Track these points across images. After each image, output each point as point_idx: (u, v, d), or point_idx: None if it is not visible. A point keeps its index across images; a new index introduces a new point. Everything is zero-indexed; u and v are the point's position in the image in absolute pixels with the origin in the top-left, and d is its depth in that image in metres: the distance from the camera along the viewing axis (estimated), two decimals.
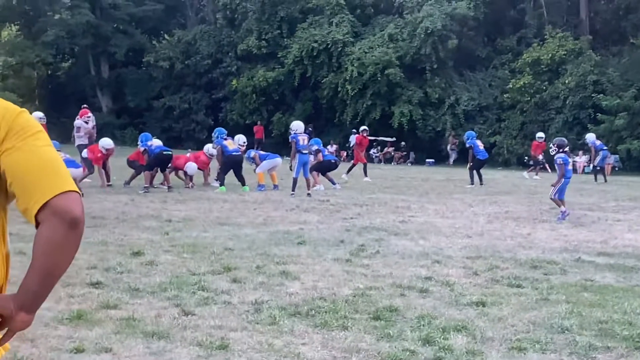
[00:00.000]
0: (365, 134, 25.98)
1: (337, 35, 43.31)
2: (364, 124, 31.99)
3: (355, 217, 14.24)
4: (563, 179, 14.54)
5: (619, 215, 15.78)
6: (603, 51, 40.87)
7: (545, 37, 40.18)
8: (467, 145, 24.09)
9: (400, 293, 7.48)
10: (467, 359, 5.41)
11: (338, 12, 44.91)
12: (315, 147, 20.46)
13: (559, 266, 9.25)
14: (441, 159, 41.58)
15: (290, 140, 19.19)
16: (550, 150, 15.84)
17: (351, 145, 34.95)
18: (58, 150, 12.84)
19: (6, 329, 2.11)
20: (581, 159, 35.17)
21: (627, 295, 7.63)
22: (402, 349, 5.54)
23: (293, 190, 18.34)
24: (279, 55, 45.86)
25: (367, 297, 7.22)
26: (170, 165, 19.48)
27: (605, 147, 28.40)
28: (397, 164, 41.51)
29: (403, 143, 42.50)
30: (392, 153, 42.64)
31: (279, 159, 20.78)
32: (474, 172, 23.49)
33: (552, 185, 14.88)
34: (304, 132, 20.23)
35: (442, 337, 5.85)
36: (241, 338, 5.72)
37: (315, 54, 43.55)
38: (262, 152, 21.94)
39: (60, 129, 42.35)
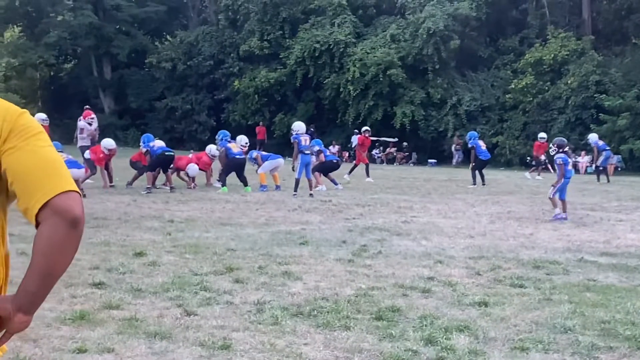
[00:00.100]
0: (367, 135, 25.99)
1: (339, 36, 43.32)
2: (366, 125, 31.96)
3: (358, 217, 14.24)
4: (563, 179, 14.53)
5: (621, 215, 15.76)
6: (605, 51, 40.84)
7: (548, 37, 40.17)
8: (470, 146, 24.09)
9: (402, 293, 7.47)
10: (470, 359, 5.41)
11: (340, 13, 44.93)
12: (316, 148, 20.46)
13: (562, 266, 9.24)
14: (443, 159, 41.55)
15: (292, 141, 19.20)
16: (550, 150, 15.84)
17: (353, 145, 35.01)
18: (60, 152, 12.77)
19: (4, 330, 2.11)
20: (584, 159, 35.14)
21: (629, 295, 7.62)
22: (405, 349, 5.54)
23: (295, 190, 18.34)
24: (281, 56, 45.87)
25: (370, 297, 7.21)
26: (172, 165, 19.50)
27: (608, 148, 28.36)
28: (400, 164, 41.50)
29: (405, 143, 42.49)
30: (395, 153, 42.62)
31: (280, 160, 20.79)
32: (476, 172, 23.49)
33: (552, 185, 14.87)
34: (306, 133, 20.25)
35: (445, 337, 5.84)
36: (243, 338, 5.72)
37: (317, 54, 43.57)
38: (264, 153, 21.95)
39: (62, 130, 42.46)
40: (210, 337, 5.67)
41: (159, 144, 19.83)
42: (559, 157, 14.74)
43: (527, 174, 29.59)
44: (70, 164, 15.10)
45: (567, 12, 44.01)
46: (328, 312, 6.53)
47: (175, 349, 5.44)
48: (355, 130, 36.96)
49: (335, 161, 22.40)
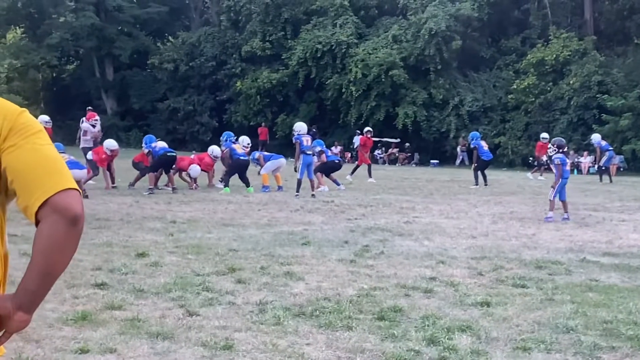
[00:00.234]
0: (369, 135, 25.99)
1: (341, 37, 43.33)
2: (368, 125, 32.00)
3: (360, 217, 14.24)
4: (561, 179, 14.52)
5: (624, 215, 15.75)
6: (607, 51, 40.79)
7: (550, 37, 40.13)
8: (472, 146, 24.09)
9: (404, 293, 7.47)
10: (472, 359, 5.41)
11: (342, 14, 44.93)
12: (318, 149, 20.47)
13: (564, 266, 9.23)
14: (445, 160, 41.54)
15: (294, 142, 19.21)
16: (549, 150, 15.82)
17: (355, 146, 35.00)
18: (62, 153, 12.79)
19: (4, 330, 2.10)
20: (586, 160, 35.13)
21: (632, 295, 7.61)
22: (407, 349, 5.54)
23: (297, 191, 18.35)
24: (283, 57, 45.88)
25: (372, 298, 7.21)
26: (174, 166, 19.51)
27: (610, 148, 28.34)
28: (402, 165, 41.50)
29: (407, 144, 42.48)
30: (397, 154, 42.61)
31: (283, 160, 20.80)
32: (479, 172, 23.50)
33: (552, 187, 14.86)
34: (308, 134, 20.26)
35: (447, 337, 5.84)
36: (245, 338, 5.72)
37: (319, 55, 43.58)
38: (266, 153, 21.97)
39: (65, 131, 42.52)
40: (212, 338, 5.68)
41: (161, 145, 19.84)
42: (557, 158, 14.73)
43: (529, 174, 29.57)
44: (72, 165, 15.11)
45: (569, 13, 43.96)
46: (330, 313, 6.53)
47: (177, 349, 5.44)
48: (357, 131, 36.95)
49: (337, 161, 22.42)
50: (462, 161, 39.40)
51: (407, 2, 43.66)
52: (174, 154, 19.48)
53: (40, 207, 2.00)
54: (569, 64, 38.59)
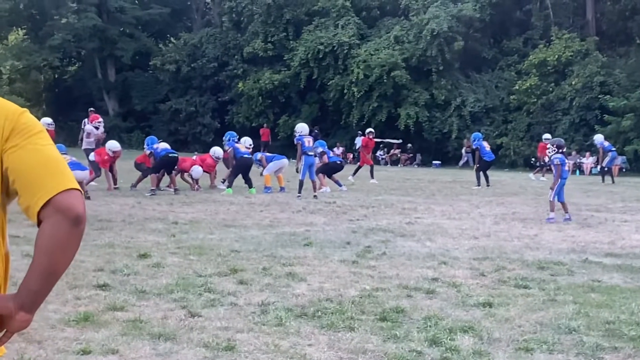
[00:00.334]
0: (371, 136, 25.99)
1: (343, 38, 43.32)
2: (370, 126, 32.00)
3: (362, 218, 14.24)
4: (559, 180, 14.51)
5: (626, 216, 15.74)
6: (609, 52, 40.78)
7: (552, 38, 40.11)
8: (474, 147, 24.08)
9: (406, 294, 7.47)
10: None
11: (344, 15, 44.92)
12: (319, 149, 20.47)
13: (566, 267, 9.23)
14: (447, 160, 41.52)
15: (295, 143, 19.21)
16: (548, 150, 15.82)
17: (357, 147, 35.00)
18: (64, 154, 12.79)
19: (5, 330, 2.11)
20: (588, 160, 35.11)
21: (634, 296, 7.61)
22: (409, 350, 5.54)
23: (299, 192, 18.36)
24: (284, 58, 45.89)
25: (374, 298, 7.21)
26: (176, 167, 19.51)
27: (613, 148, 28.33)
28: (404, 165, 41.48)
29: (409, 145, 42.46)
30: (399, 155, 42.60)
31: (285, 160, 20.80)
32: (481, 173, 23.50)
33: (551, 188, 14.84)
34: (310, 135, 20.25)
35: (449, 337, 5.84)
36: (247, 339, 5.72)
37: (321, 56, 43.57)
38: (268, 154, 21.96)
39: (67, 133, 42.59)
40: (214, 339, 5.68)
41: (163, 146, 19.84)
42: (556, 158, 14.72)
43: (531, 175, 29.56)
44: (74, 166, 15.11)
45: (571, 13, 43.93)
46: (332, 313, 6.53)
47: (179, 350, 5.44)
48: (359, 132, 36.96)
49: (338, 162, 22.42)
50: (467, 162, 39.36)
51: (409, 2, 43.64)
52: (176, 155, 19.47)
53: (42, 207, 2.01)
54: (571, 64, 38.57)
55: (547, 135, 30.05)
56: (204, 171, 20.13)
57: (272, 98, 46.60)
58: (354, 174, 25.16)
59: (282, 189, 19.84)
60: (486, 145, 24.25)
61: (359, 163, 26.86)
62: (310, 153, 18.69)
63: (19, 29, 58.34)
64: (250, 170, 19.89)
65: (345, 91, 42.90)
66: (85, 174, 16.81)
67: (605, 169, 27.87)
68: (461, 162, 40.08)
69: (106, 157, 19.22)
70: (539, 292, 7.69)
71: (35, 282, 2.04)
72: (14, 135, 2.07)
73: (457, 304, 7.10)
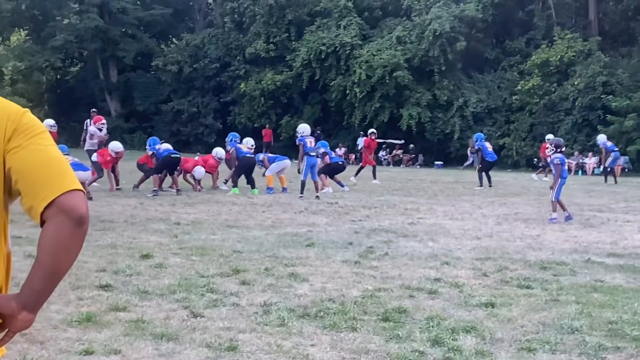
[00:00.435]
0: (373, 137, 25.97)
1: (345, 38, 43.34)
2: (372, 127, 31.99)
3: (364, 219, 14.24)
4: (560, 179, 14.49)
5: (628, 216, 15.72)
6: (612, 52, 40.76)
7: (554, 38, 40.10)
8: (476, 147, 24.08)
9: (409, 294, 7.47)
10: None
11: (346, 15, 44.94)
12: (322, 150, 20.48)
13: (569, 267, 9.22)
14: (450, 161, 41.51)
15: (297, 143, 19.22)
16: (547, 150, 15.79)
17: (359, 147, 34.99)
18: (66, 154, 12.83)
19: (6, 330, 2.12)
20: (591, 161, 35.08)
21: (637, 296, 7.60)
22: (411, 350, 5.53)
23: (301, 192, 18.36)
24: (287, 59, 45.93)
25: (376, 299, 7.20)
26: (178, 168, 19.52)
27: (616, 149, 28.30)
28: (406, 166, 41.49)
29: (412, 145, 42.45)
30: (401, 155, 42.60)
31: (287, 161, 20.81)
32: (483, 174, 23.49)
33: (551, 188, 14.82)
34: (312, 135, 20.25)
35: (451, 338, 5.84)
36: (250, 339, 5.72)
37: (323, 57, 43.60)
38: (270, 155, 21.96)
39: (69, 133, 42.62)
40: (216, 339, 5.68)
41: (165, 147, 19.85)
42: (556, 157, 14.70)
43: (534, 175, 29.55)
44: (76, 167, 15.12)
45: (573, 13, 43.92)
46: (335, 314, 6.52)
47: (181, 350, 5.44)
48: (361, 133, 36.96)
49: (340, 163, 22.44)
50: (472, 163, 39.28)
51: (411, 3, 43.67)
52: (178, 156, 19.48)
53: (46, 208, 2.01)
54: (574, 64, 38.56)
55: (549, 136, 29.92)
56: (206, 172, 20.14)
57: (274, 99, 46.63)
58: (356, 174, 25.16)
59: (284, 189, 19.85)
60: (488, 146, 24.25)
61: (361, 164, 26.86)
62: (312, 154, 18.69)
63: (21, 29, 58.42)
64: (253, 170, 19.92)
65: (347, 92, 42.93)
66: (87, 175, 16.83)
67: (608, 169, 27.86)
68: (466, 163, 39.98)
69: (109, 158, 19.24)
70: (541, 292, 7.68)
71: (38, 282, 2.05)
72: (17, 135, 2.08)
73: (460, 304, 7.09)
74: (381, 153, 41.84)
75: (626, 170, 34.05)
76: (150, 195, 17.91)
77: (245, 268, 8.59)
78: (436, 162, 41.05)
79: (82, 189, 2.09)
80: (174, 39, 55.80)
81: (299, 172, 19.37)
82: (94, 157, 19.65)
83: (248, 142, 20.95)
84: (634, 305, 7.11)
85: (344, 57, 43.35)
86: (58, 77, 59.82)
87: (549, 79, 39.03)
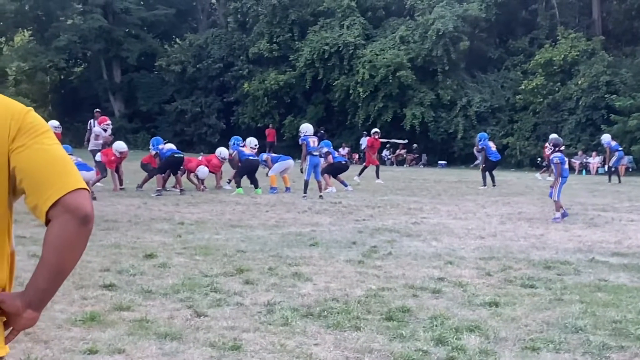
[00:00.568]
0: (376, 136, 25.97)
1: (349, 38, 43.34)
2: (375, 127, 31.99)
3: (368, 218, 14.24)
4: (561, 178, 14.47)
5: (632, 215, 15.70)
6: (616, 52, 40.71)
7: (558, 38, 40.07)
8: (480, 147, 24.07)
9: (412, 294, 7.47)
10: (480, 359, 5.39)
11: (349, 15, 44.93)
12: (325, 150, 20.48)
13: (573, 266, 9.21)
14: (453, 160, 41.50)
15: (300, 143, 19.23)
16: (547, 149, 15.76)
17: (363, 147, 34.99)
18: (70, 154, 12.95)
19: (11, 328, 2.13)
20: (595, 160, 35.03)
21: None
22: (415, 349, 5.53)
23: (305, 192, 18.35)
24: (290, 59, 45.93)
25: (380, 298, 7.20)
26: (182, 168, 19.53)
27: (620, 148, 28.26)
28: (409, 166, 41.47)
29: (415, 145, 42.43)
30: (404, 155, 42.59)
31: (290, 161, 20.82)
32: (487, 173, 23.47)
33: (551, 187, 14.80)
34: (316, 135, 20.25)
35: (455, 337, 5.83)
36: (254, 339, 5.73)
37: (326, 56, 43.60)
38: (274, 155, 21.97)
39: (73, 133, 42.65)
40: (220, 338, 5.68)
41: (168, 146, 19.86)
42: (555, 156, 14.68)
43: (537, 175, 29.52)
44: (80, 167, 15.13)
45: (577, 13, 43.88)
46: (338, 313, 6.52)
47: (185, 349, 5.45)
48: (365, 132, 36.95)
49: (343, 162, 22.46)
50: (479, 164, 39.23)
51: (414, 2, 43.65)
52: (182, 156, 19.50)
53: (51, 207, 2.02)
54: (577, 64, 38.52)
55: (553, 135, 29.96)
56: (209, 172, 20.15)
57: (277, 99, 46.64)
58: (360, 174, 25.16)
59: (287, 189, 19.85)
60: (492, 145, 24.24)
61: (364, 163, 26.86)
62: (315, 153, 18.69)
63: (25, 30, 58.52)
64: (256, 171, 19.93)
65: (350, 91, 42.93)
66: (91, 175, 16.84)
67: (612, 168, 27.83)
68: (476, 162, 39.97)
69: (113, 158, 19.25)
70: (545, 292, 7.67)
71: (43, 281, 2.07)
72: (21, 135, 2.09)
73: (463, 304, 7.09)
74: (384, 153, 41.84)
75: (630, 169, 33.98)
76: (154, 195, 17.92)
77: (249, 267, 8.60)
78: (440, 162, 41.03)
79: (87, 187, 2.10)
80: (177, 39, 55.85)
81: (301, 172, 19.37)
82: (98, 156, 19.66)
83: (251, 142, 20.96)
84: (638, 304, 7.10)
85: (347, 56, 43.34)
86: (62, 77, 59.89)
87: (553, 79, 38.99)
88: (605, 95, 36.28)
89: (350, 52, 43.25)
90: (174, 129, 50.10)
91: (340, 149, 38.65)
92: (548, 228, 13.26)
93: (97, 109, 26.82)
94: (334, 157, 21.47)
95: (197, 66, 50.05)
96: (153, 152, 19.51)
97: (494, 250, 10.47)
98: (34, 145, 2.08)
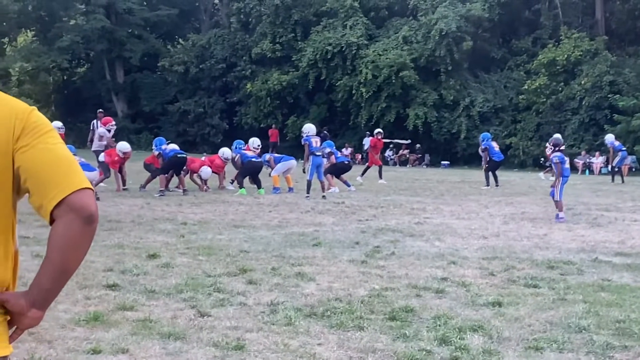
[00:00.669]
0: (379, 137, 25.96)
1: (352, 38, 43.32)
2: (378, 127, 31.96)
3: (371, 218, 14.24)
4: (561, 178, 14.46)
5: (636, 215, 15.68)
6: (619, 51, 40.65)
7: (561, 37, 40.00)
8: (483, 147, 24.05)
9: (416, 294, 7.47)
10: (484, 359, 5.39)
11: (352, 15, 44.91)
12: (327, 150, 20.48)
13: (576, 266, 9.20)
14: (456, 161, 41.47)
15: (303, 143, 19.23)
16: (547, 149, 15.76)
17: (365, 147, 34.98)
18: (73, 155, 12.95)
19: (15, 327, 2.13)
20: (598, 160, 34.99)
21: None
22: (419, 349, 5.53)
23: (308, 192, 18.36)
24: (293, 59, 45.92)
25: (383, 298, 7.20)
26: (185, 168, 19.54)
27: (623, 148, 28.24)
28: (412, 166, 41.44)
29: (418, 145, 42.38)
30: (407, 155, 42.55)
31: (293, 161, 20.81)
32: (490, 173, 23.46)
33: (552, 187, 14.79)
34: (319, 135, 20.26)
35: (459, 337, 5.83)
36: (257, 339, 5.73)
37: (329, 57, 43.58)
38: (276, 155, 21.96)
39: (76, 134, 42.67)
40: (224, 338, 5.69)
41: (171, 147, 19.87)
42: (555, 156, 14.67)
43: (541, 174, 29.50)
44: (83, 167, 15.02)
45: (580, 13, 43.83)
46: (341, 313, 6.53)
47: (189, 349, 5.45)
48: (368, 133, 36.93)
49: (346, 162, 22.45)
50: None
51: (417, 3, 43.62)
52: (185, 156, 19.50)
53: (55, 207, 2.03)
54: (581, 64, 38.46)
55: (557, 135, 29.92)
56: (212, 172, 20.16)
57: (280, 99, 46.63)
58: (363, 174, 25.15)
59: (290, 189, 19.85)
60: (495, 145, 24.22)
61: (367, 163, 26.85)
62: (317, 153, 18.69)
63: (28, 30, 58.58)
64: (260, 172, 19.95)
65: (353, 92, 42.90)
66: (94, 175, 16.87)
67: (616, 168, 27.80)
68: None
69: (116, 158, 19.26)
70: (548, 292, 7.67)
71: (48, 280, 2.08)
72: (25, 134, 2.09)
73: (467, 304, 7.09)
74: (387, 153, 41.82)
75: (633, 169, 33.96)
76: (157, 195, 17.94)
77: (252, 267, 8.60)
78: (443, 162, 40.99)
79: (91, 187, 2.10)
80: (180, 40, 55.85)
81: (304, 172, 19.38)
82: (102, 157, 19.66)
83: (254, 143, 20.97)
84: None
85: (350, 57, 43.31)
86: (65, 77, 59.96)
87: (556, 79, 38.94)
88: (609, 95, 36.23)
89: (353, 52, 43.23)
90: (177, 129, 50.11)
91: (344, 149, 38.62)
92: (551, 228, 13.25)
93: (100, 110, 26.79)
94: (336, 157, 21.47)
95: (200, 66, 50.06)
96: (156, 153, 19.52)
97: (497, 250, 10.47)
98: (38, 145, 2.08)
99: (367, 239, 11.38)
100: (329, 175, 20.30)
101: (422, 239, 11.48)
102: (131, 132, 50.61)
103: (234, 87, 49.69)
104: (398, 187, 23.04)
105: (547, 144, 15.63)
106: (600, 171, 34.16)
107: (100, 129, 21.40)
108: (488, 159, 23.64)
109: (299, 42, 46.12)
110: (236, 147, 20.84)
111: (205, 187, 19.91)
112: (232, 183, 20.82)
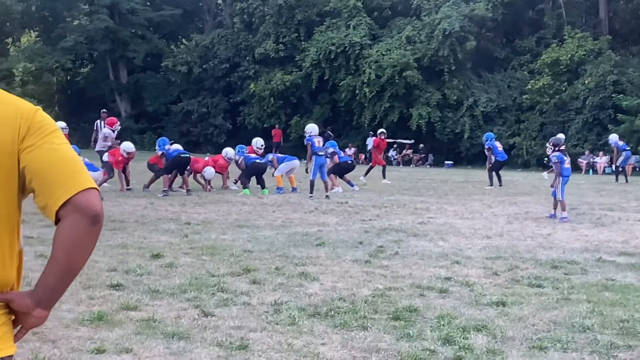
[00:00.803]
0: (383, 137, 25.96)
1: (355, 38, 43.33)
2: (382, 127, 31.96)
3: (374, 218, 14.23)
4: (561, 178, 14.44)
5: None
6: (623, 51, 40.63)
7: (564, 37, 39.99)
8: (486, 147, 24.04)
9: (419, 293, 7.46)
10: (488, 358, 5.39)
11: (355, 15, 44.92)
12: (330, 150, 20.47)
13: (580, 266, 9.19)
14: (460, 160, 41.45)
15: (305, 143, 19.24)
16: (546, 149, 15.75)
17: (369, 147, 34.97)
18: (78, 155, 12.98)
19: (20, 326, 2.14)
20: (602, 160, 34.96)
21: None
22: (422, 349, 5.53)
23: (311, 192, 18.35)
24: (296, 59, 45.94)
25: (387, 298, 7.20)
26: (188, 168, 19.54)
27: (627, 148, 28.21)
28: (416, 166, 41.45)
29: (421, 145, 42.39)
30: (411, 155, 42.56)
31: (296, 161, 20.81)
32: (493, 173, 23.45)
33: (552, 186, 14.76)
34: (322, 135, 20.25)
35: (462, 336, 5.83)
36: (261, 338, 5.73)
37: (332, 57, 43.60)
38: (279, 155, 21.96)
39: (79, 134, 42.72)
40: (227, 338, 5.69)
41: (175, 147, 19.86)
42: (554, 156, 14.67)
43: (544, 174, 29.45)
44: (87, 167, 15.13)
45: (583, 12, 43.81)
46: (345, 313, 6.52)
47: (193, 349, 5.45)
48: (371, 133, 36.92)
49: (349, 162, 22.44)
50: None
51: (420, 2, 43.62)
52: (188, 156, 19.50)
53: (61, 206, 2.04)
54: (584, 63, 38.43)
55: (558, 135, 29.89)
56: (216, 172, 20.16)
57: (283, 99, 46.65)
58: (366, 174, 25.15)
59: (294, 189, 19.86)
60: (498, 145, 24.21)
61: (371, 163, 26.85)
62: (320, 153, 18.69)
63: (32, 30, 58.67)
64: (264, 173, 19.96)
65: (357, 92, 42.90)
66: (98, 175, 16.88)
67: (619, 168, 27.77)
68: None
69: (120, 158, 19.27)
70: (552, 291, 7.66)
71: (53, 279, 2.08)
72: (30, 134, 2.09)
73: (471, 303, 7.08)
74: (391, 153, 41.81)
75: (637, 169, 33.91)
76: (161, 195, 17.95)
77: (256, 267, 8.60)
78: (446, 162, 41.00)
79: (97, 187, 2.11)
80: (183, 40, 55.90)
81: (307, 172, 19.37)
82: (105, 157, 19.67)
83: (257, 143, 20.97)
84: None
85: (353, 57, 43.33)
86: (68, 78, 60.04)
87: (559, 78, 38.91)
88: (612, 95, 36.20)
89: (357, 52, 43.23)
90: (180, 129, 50.17)
91: (347, 149, 38.64)
92: (555, 228, 13.23)
93: (104, 110, 26.85)
94: (340, 157, 21.47)
95: (204, 67, 50.12)
96: (159, 153, 19.52)
97: (500, 249, 10.46)
98: (43, 145, 2.09)
99: (370, 238, 11.37)
100: (332, 175, 20.30)
101: (425, 239, 11.47)
102: (135, 132, 50.68)
103: (237, 87, 49.73)
104: (401, 187, 23.03)
105: (548, 144, 15.64)
106: (604, 171, 34.14)
107: (106, 130, 21.40)
108: (492, 158, 23.63)
109: (302, 42, 46.15)
110: (239, 151, 20.84)
111: (208, 187, 19.91)
112: (235, 183, 20.83)
